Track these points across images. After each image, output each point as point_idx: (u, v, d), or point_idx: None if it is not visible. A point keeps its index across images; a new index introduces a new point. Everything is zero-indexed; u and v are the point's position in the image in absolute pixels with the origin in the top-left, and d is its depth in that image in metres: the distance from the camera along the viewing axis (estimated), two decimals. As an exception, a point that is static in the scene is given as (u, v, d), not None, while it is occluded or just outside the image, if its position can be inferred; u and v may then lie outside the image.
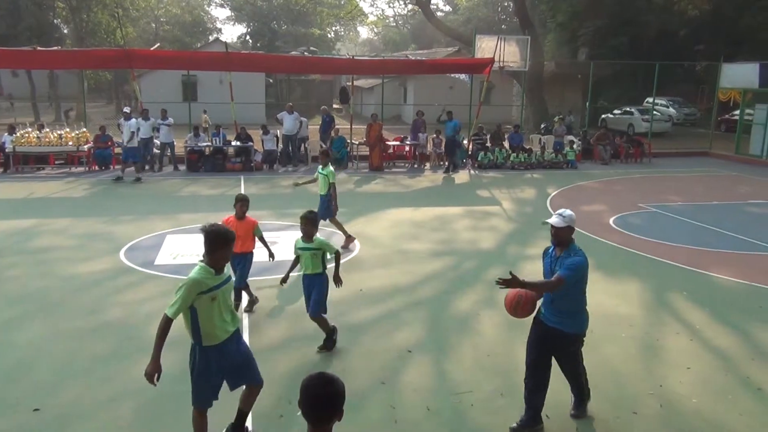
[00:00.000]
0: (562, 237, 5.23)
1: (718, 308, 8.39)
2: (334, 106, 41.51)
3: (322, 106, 22.38)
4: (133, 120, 18.23)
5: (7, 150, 18.53)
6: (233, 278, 5.02)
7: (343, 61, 25.89)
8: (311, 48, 45.31)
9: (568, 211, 5.26)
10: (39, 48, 20.87)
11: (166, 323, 4.67)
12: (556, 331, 5.23)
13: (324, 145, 21.07)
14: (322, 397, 2.77)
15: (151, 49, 24.47)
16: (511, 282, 4.82)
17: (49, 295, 8.44)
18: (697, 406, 5.84)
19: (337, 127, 21.74)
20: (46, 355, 6.60)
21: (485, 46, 22.97)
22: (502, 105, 32.57)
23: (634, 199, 15.79)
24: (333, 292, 8.71)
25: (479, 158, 21.09)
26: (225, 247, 4.72)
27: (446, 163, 20.13)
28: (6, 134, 18.80)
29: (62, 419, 5.48)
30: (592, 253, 10.91)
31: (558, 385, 5.67)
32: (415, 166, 21.31)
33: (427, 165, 21.05)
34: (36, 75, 35.51)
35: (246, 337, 7.18)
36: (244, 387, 5.13)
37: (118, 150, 20.01)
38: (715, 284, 9.49)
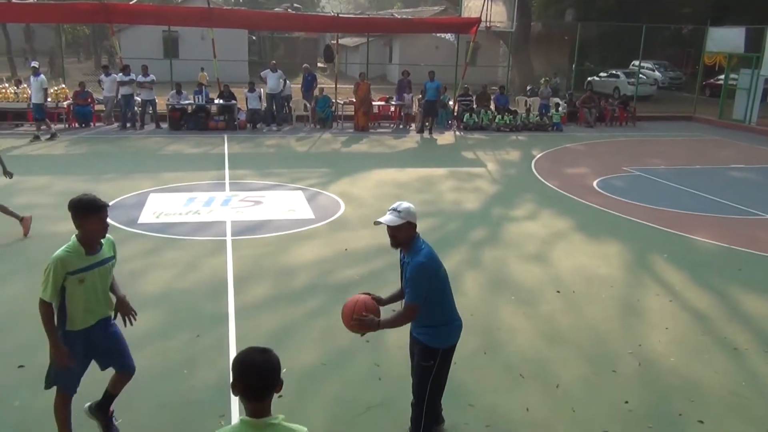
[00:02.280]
0: (401, 237, 4.23)
1: (698, 270, 8.53)
2: (319, 65, 40.95)
3: (305, 64, 22.06)
4: (113, 75, 17.85)
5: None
6: (114, 261, 4.40)
7: (328, 18, 25.47)
8: (295, 5, 44.45)
9: (405, 204, 4.25)
10: (14, 0, 20.28)
11: (46, 308, 4.11)
12: (417, 342, 4.43)
13: (308, 104, 20.87)
14: (260, 367, 2.64)
15: (131, 2, 23.85)
16: (366, 325, 4.22)
17: (30, 253, 8.37)
18: (674, 365, 5.98)
19: (321, 86, 21.48)
20: (28, 313, 6.57)
21: (472, 6, 22.70)
22: (489, 66, 32.35)
23: (618, 162, 15.87)
24: (318, 251, 8.74)
25: (464, 120, 21.00)
26: (92, 218, 4.08)
27: (426, 124, 19.99)
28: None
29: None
30: (574, 214, 11.09)
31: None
32: (401, 126, 21.18)
33: (412, 126, 20.93)
34: (11, 28, 34.57)
35: (230, 296, 7.21)
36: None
37: (99, 107, 19.67)
38: (696, 247, 9.63)
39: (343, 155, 16.53)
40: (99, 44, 42.46)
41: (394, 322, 4.27)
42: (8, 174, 9.60)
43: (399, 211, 4.19)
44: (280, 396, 5.16)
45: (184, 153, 15.97)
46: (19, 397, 5.13)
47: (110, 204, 10.36)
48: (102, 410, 4.62)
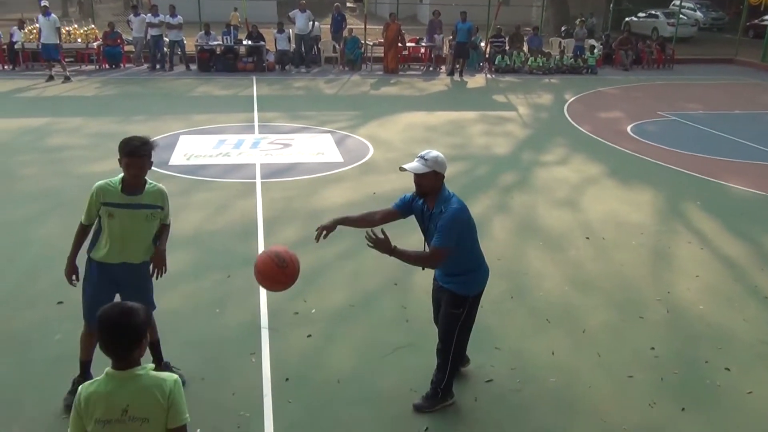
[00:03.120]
0: (427, 186, 4.11)
1: (732, 218, 8.37)
2: (348, 4, 40.14)
3: (335, 3, 21.64)
4: (142, 15, 17.75)
5: (16, 46, 18.21)
6: (160, 211, 4.35)
7: (358, -44, 24.76)
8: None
9: (434, 153, 4.11)
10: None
11: (79, 228, 4.31)
12: (445, 290, 4.36)
13: (337, 46, 20.57)
14: (119, 327, 2.51)
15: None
16: (381, 243, 3.94)
17: (64, 194, 8.53)
18: (702, 312, 5.95)
19: (350, 27, 21.12)
20: (63, 252, 6.76)
21: (507, -58, 21.84)
22: (522, 6, 31.36)
23: (654, 107, 15.45)
24: (346, 194, 8.76)
25: (496, 62, 20.55)
26: (123, 159, 4.10)
27: (456, 66, 19.59)
28: (15, 28, 18.42)
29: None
30: (607, 160, 10.89)
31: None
32: (431, 68, 20.82)
33: (443, 68, 20.56)
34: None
35: (260, 238, 7.30)
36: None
37: (128, 48, 19.65)
38: (731, 194, 9.43)
39: (372, 98, 16.37)
40: (127, -17, 42.07)
41: (411, 258, 4.10)
42: None
43: (426, 159, 4.06)
44: (309, 336, 5.30)
45: (213, 95, 15.96)
46: (61, 331, 5.33)
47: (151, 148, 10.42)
48: (158, 364, 4.70)
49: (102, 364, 2.67)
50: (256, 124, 12.85)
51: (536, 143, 12.10)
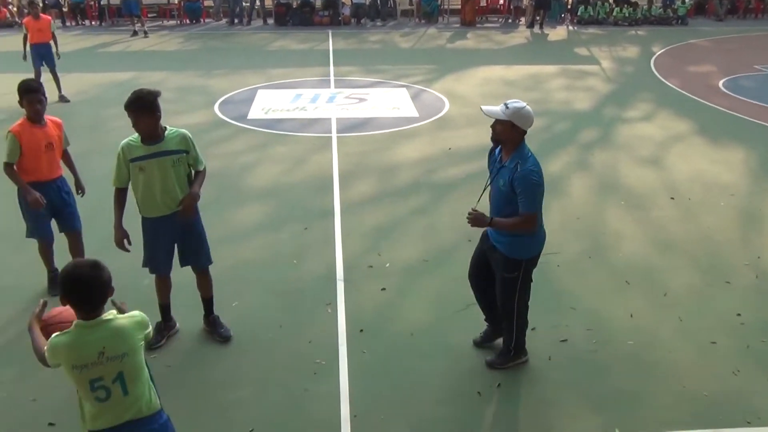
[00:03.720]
0: (501, 134, 3.98)
1: (832, 180, 7.84)
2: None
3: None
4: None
5: (102, 2, 18.80)
6: (185, 155, 4.36)
7: None
8: None
9: (519, 104, 3.94)
10: None
11: (116, 192, 4.39)
12: (495, 251, 4.18)
13: (414, -2, 20.22)
14: (92, 282, 2.60)
15: None
16: (478, 219, 3.96)
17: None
18: (795, 279, 5.64)
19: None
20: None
21: None
22: (609, -47, 29.79)
23: (750, 60, 14.51)
24: (421, 149, 8.70)
25: (579, 13, 19.72)
26: (135, 112, 4.13)
27: (537, 18, 18.91)
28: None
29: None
30: (696, 116, 10.36)
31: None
32: (509, 20, 20.20)
33: (522, 20, 19.90)
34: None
35: (336, 191, 7.38)
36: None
37: (208, 3, 19.95)
38: (832, 154, 8.81)
39: (449, 51, 16.07)
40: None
41: (509, 225, 4.00)
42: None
43: (507, 107, 3.91)
44: (383, 289, 5.36)
45: (289, 49, 16.06)
46: (149, 277, 5.58)
47: (221, 99, 10.61)
48: (206, 317, 4.86)
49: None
50: (331, 78, 12.88)
51: (620, 98, 11.61)
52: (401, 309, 5.16)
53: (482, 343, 4.65)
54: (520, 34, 18.21)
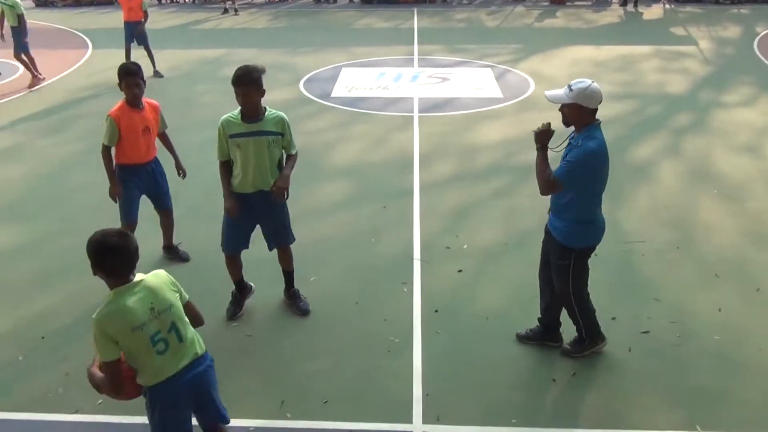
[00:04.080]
0: (569, 117, 3.83)
1: None
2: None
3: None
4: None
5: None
6: (280, 138, 4.42)
7: None
8: None
9: (584, 83, 3.76)
10: None
11: (220, 165, 4.50)
12: (551, 238, 4.13)
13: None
14: (122, 249, 2.74)
15: None
16: (543, 134, 3.86)
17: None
18: None
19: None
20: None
21: None
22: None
23: None
24: (504, 131, 8.56)
25: (677, -10, 18.74)
26: (234, 88, 4.22)
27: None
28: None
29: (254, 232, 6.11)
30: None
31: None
32: (602, -1, 19.46)
33: (616, -2, 19.12)
34: None
35: (416, 171, 7.38)
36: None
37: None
38: None
39: (536, 30, 15.67)
40: None
41: (539, 169, 3.87)
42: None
43: (571, 89, 3.76)
44: (459, 271, 5.35)
45: (374, 27, 16.08)
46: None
47: (306, 77, 10.79)
48: (286, 290, 4.99)
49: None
50: (415, 57, 12.82)
51: (717, 82, 11.01)
52: (477, 292, 5.14)
53: (525, 338, 4.52)
54: (613, 13, 17.51)
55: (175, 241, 5.70)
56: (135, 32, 11.35)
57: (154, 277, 2.91)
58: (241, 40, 14.71)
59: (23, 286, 5.28)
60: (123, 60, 11.48)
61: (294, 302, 4.93)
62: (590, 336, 4.30)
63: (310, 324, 4.77)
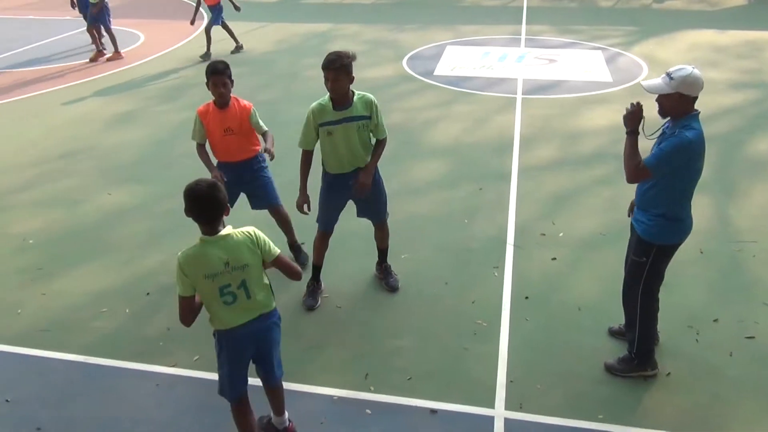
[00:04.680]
0: (668, 108, 3.57)
1: None
2: None
3: None
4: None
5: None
6: (368, 121, 4.42)
7: None
8: None
9: (684, 70, 3.48)
10: None
11: (303, 154, 4.50)
12: (633, 231, 3.88)
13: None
14: (207, 198, 2.93)
15: None
16: (633, 115, 3.64)
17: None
18: None
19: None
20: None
21: None
22: None
23: None
24: (612, 117, 8.21)
25: (817, -29, 17.19)
26: (324, 72, 4.19)
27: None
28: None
29: (349, 206, 6.20)
30: None
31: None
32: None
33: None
34: None
35: (515, 154, 7.24)
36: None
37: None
38: None
39: (654, 12, 14.87)
40: None
41: (627, 153, 3.63)
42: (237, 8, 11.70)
43: (671, 78, 3.47)
44: (553, 259, 5.22)
45: (482, 5, 15.79)
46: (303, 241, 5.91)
47: (409, 54, 10.73)
48: (379, 264, 5.05)
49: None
50: (522, 37, 12.50)
51: None
52: (570, 281, 5.00)
53: (617, 333, 4.32)
54: (741, -5, 16.35)
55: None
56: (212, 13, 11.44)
57: (240, 233, 3.06)
58: (348, 15, 14.84)
59: (133, 244, 5.63)
60: (236, 32, 11.89)
61: (385, 278, 4.98)
62: (641, 356, 3.98)
63: (399, 300, 4.82)
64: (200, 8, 11.68)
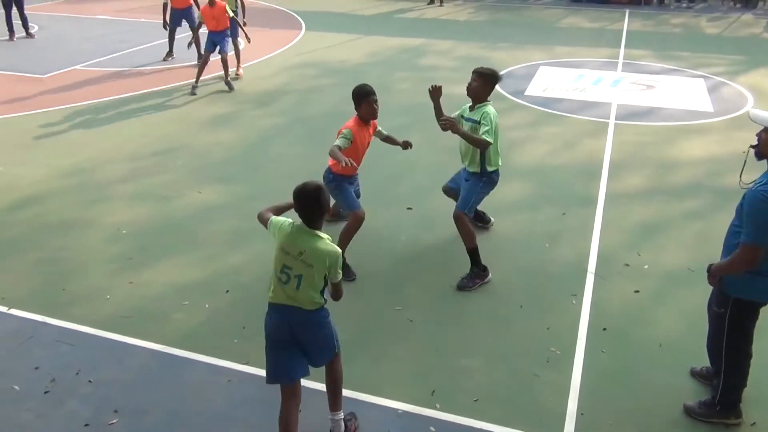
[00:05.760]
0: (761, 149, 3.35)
1: None
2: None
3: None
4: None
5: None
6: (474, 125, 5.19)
7: None
8: None
9: None
10: None
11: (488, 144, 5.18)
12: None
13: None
14: (309, 197, 3.28)
15: None
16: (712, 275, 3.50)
17: (427, 111, 9.23)
18: None
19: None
20: (422, 163, 7.42)
21: None
22: None
23: None
24: (710, 148, 7.83)
25: None
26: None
27: None
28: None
29: (429, 219, 6.21)
30: None
31: None
32: None
33: None
34: None
35: (603, 180, 7.04)
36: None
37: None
38: None
39: (764, 41, 14.14)
40: None
41: (723, 268, 3.42)
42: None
43: None
44: (636, 291, 5.02)
45: (579, 27, 15.49)
46: (406, 234, 5.94)
47: (502, 73, 10.70)
48: (474, 266, 5.17)
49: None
50: (620, 61, 12.17)
51: None
52: (653, 316, 4.79)
53: (698, 375, 4.11)
54: None
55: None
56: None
57: (330, 245, 3.35)
58: (441, 31, 14.89)
59: (218, 242, 5.83)
60: (331, 43, 12.14)
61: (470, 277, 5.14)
62: (724, 404, 3.72)
63: (472, 319, 4.76)
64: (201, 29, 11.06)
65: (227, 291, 5.07)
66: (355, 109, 5.17)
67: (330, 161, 5.16)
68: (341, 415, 3.62)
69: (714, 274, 3.51)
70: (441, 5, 17.93)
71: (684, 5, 17.83)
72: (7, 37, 13.42)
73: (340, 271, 3.38)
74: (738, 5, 17.65)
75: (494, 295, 5.02)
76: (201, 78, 10.08)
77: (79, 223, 6.12)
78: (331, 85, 10.32)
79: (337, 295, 3.49)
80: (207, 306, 4.89)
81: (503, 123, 8.88)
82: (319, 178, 5.52)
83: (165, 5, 11.65)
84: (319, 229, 3.35)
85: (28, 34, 13.73)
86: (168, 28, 11.83)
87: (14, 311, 4.80)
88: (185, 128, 8.68)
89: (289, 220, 3.43)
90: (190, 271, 5.37)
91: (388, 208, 6.43)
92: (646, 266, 5.42)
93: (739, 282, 3.43)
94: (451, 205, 5.45)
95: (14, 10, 13.43)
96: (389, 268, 5.31)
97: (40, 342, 4.47)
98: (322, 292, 3.39)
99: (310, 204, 3.30)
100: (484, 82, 5.10)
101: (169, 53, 11.99)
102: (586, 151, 7.90)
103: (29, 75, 11.01)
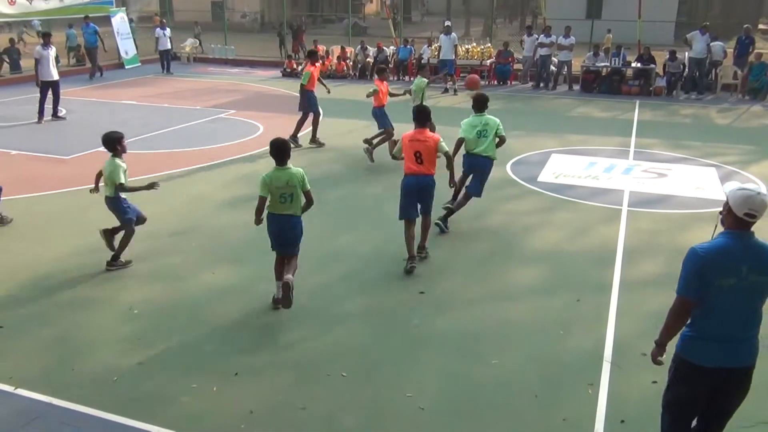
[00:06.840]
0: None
1: None
2: (761, 26, 35.72)
3: (745, 25, 19.44)
4: (534, 36, 18.50)
5: (423, 61, 20.59)
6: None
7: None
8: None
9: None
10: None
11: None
12: None
13: (739, 72, 18.45)
14: (279, 146, 5.65)
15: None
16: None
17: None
18: None
19: (758, 51, 18.75)
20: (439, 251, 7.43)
21: None
22: None
23: None
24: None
25: None
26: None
27: None
28: (426, 47, 20.87)
29: (440, 303, 6.15)
30: None
31: None
32: None
33: None
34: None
35: (618, 267, 6.99)
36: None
37: (518, 66, 20.66)
38: None
39: (775, 134, 14.31)
40: (526, 5, 44.26)
41: (666, 320, 3.77)
42: None
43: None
44: (654, 382, 4.88)
45: (591, 116, 15.80)
46: (419, 317, 5.88)
47: (514, 159, 10.81)
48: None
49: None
50: (631, 149, 12.33)
51: None
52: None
53: None
54: None
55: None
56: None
57: (296, 171, 5.63)
58: (455, 118, 15.17)
59: (225, 323, 5.79)
60: (342, 130, 12.39)
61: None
62: None
63: (484, 410, 4.63)
64: None
65: (236, 374, 5.00)
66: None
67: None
68: (291, 277, 5.59)
69: (658, 339, 3.71)
70: (455, 94, 18.42)
71: (693, 97, 18.20)
72: (36, 120, 13.92)
73: (307, 181, 5.67)
74: (747, 97, 17.98)
75: (508, 384, 4.91)
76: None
77: (93, 302, 6.13)
78: (346, 168, 10.54)
79: (310, 200, 5.75)
80: (215, 389, 4.81)
81: (518, 208, 9.05)
82: (333, 257, 5.60)
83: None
84: (286, 164, 5.61)
85: (57, 117, 14.24)
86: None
87: (21, 391, 4.75)
88: (202, 210, 8.80)
89: (266, 175, 5.60)
90: (199, 352, 5.32)
91: (401, 292, 6.40)
92: (664, 356, 5.28)
93: (685, 342, 3.61)
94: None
95: (50, 94, 14.01)
96: (403, 351, 5.23)
97: (44, 424, 4.40)
98: (300, 205, 5.70)
99: (282, 150, 5.62)
100: None
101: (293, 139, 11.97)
102: (600, 237, 7.90)
103: (53, 156, 11.34)
